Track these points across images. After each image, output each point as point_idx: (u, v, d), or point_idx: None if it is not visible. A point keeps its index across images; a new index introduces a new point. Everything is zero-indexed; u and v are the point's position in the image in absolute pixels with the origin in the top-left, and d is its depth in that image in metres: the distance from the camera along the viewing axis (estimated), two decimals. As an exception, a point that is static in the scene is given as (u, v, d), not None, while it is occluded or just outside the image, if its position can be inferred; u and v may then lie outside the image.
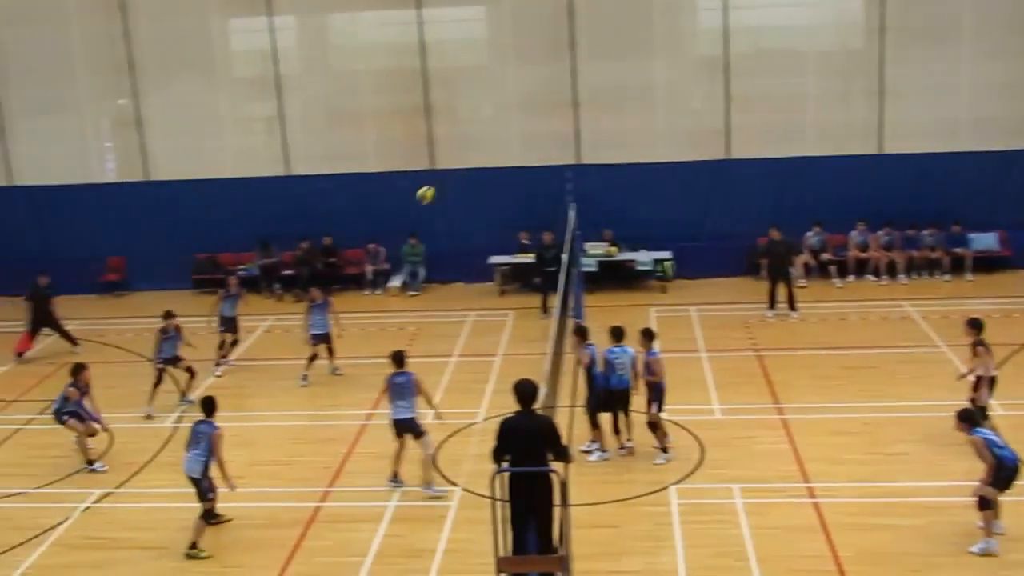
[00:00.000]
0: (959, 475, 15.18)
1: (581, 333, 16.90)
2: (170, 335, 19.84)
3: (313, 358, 20.42)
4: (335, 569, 13.69)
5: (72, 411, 17.13)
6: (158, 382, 19.73)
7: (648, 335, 16.35)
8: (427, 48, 26.76)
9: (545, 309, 23.58)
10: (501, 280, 26.33)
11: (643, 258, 25.94)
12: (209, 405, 14.70)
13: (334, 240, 26.91)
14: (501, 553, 11.26)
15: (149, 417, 19.22)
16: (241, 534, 14.68)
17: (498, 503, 11.20)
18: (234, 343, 21.84)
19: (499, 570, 11.27)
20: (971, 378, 16.55)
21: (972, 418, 13.73)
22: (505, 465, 11.46)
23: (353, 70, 27.81)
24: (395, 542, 14.37)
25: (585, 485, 15.15)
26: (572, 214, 22.77)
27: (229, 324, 21.64)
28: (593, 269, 25.15)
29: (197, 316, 23.01)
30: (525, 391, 11.76)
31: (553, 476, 11.30)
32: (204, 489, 14.29)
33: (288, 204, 27.10)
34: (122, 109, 27.73)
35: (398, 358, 15.72)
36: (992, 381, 16.35)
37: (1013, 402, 17.57)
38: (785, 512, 14.73)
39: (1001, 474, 13.32)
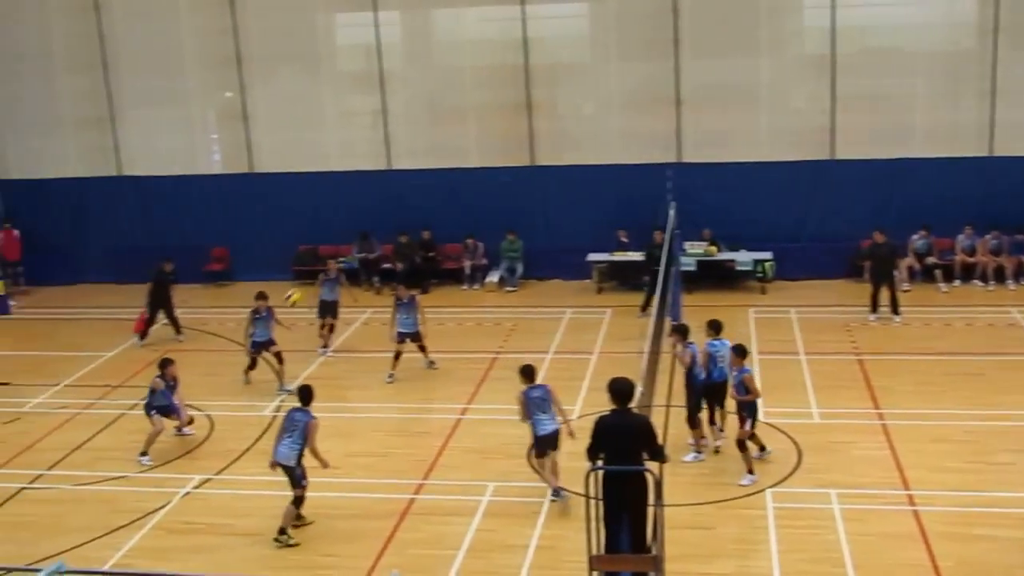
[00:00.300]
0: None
1: (682, 332, 16.75)
2: (262, 315, 20.18)
3: (398, 356, 20.28)
4: (428, 562, 13.78)
5: (159, 405, 17.42)
6: (252, 366, 20.15)
7: (741, 352, 15.84)
8: (530, 44, 26.79)
9: (645, 308, 23.43)
10: (599, 278, 26.25)
11: (743, 258, 25.67)
12: (306, 394, 14.91)
13: (433, 235, 27.09)
14: (594, 551, 11.25)
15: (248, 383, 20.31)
16: (335, 525, 14.85)
17: (592, 501, 11.18)
18: (331, 328, 22.17)
19: (592, 568, 11.25)
20: None
21: None
22: (599, 463, 11.44)
23: (456, 66, 27.95)
24: (488, 537, 14.42)
25: (680, 485, 15.05)
26: (672, 213, 22.61)
27: (328, 308, 22.03)
28: (692, 268, 24.96)
29: (299, 307, 23.34)
30: (621, 389, 11.74)
31: (647, 475, 11.25)
32: (297, 477, 14.48)
33: (388, 198, 27.37)
34: (228, 102, 28.24)
35: (529, 372, 15.34)
36: None
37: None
38: (883, 519, 14.47)
39: None
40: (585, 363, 20.75)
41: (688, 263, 24.53)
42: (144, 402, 17.65)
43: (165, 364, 17.73)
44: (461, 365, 20.69)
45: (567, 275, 26.93)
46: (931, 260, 25.33)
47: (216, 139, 29.43)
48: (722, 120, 26.88)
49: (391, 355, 20.40)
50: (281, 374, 20.16)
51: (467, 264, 26.89)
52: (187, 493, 16.07)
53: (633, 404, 11.84)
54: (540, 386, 15.28)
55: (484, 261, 27.09)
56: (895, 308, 22.84)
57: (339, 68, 28.68)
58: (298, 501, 14.55)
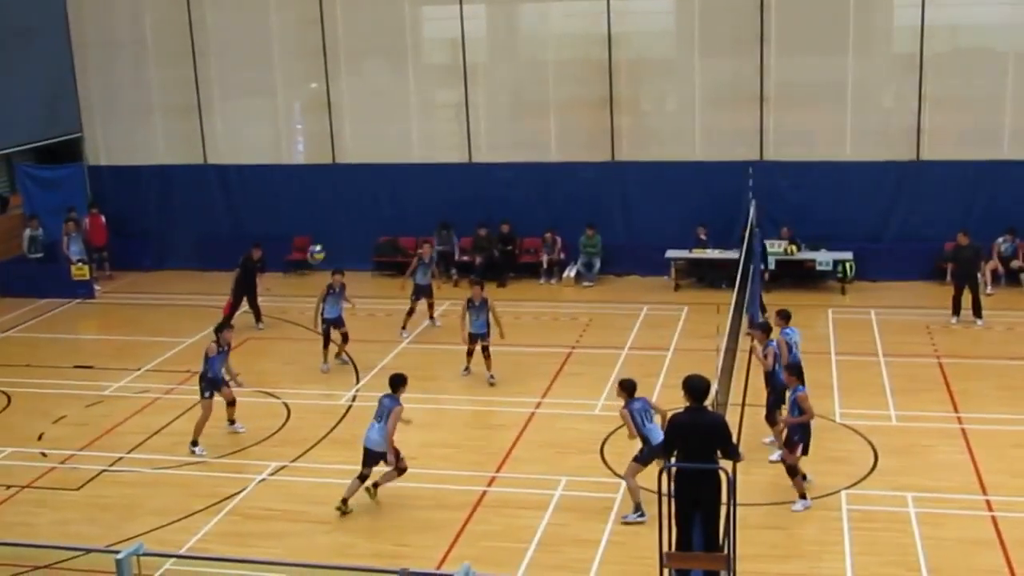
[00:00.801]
0: None
1: (764, 329, 16.65)
2: (335, 291, 20.45)
3: (471, 353, 20.04)
4: (500, 554, 13.87)
5: (211, 378, 17.50)
6: (326, 342, 20.58)
7: (797, 372, 15.23)
8: (614, 39, 26.73)
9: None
10: (676, 275, 26.16)
11: (823, 258, 25.41)
12: (396, 381, 15.25)
13: (512, 228, 27.18)
14: (666, 548, 11.27)
15: (326, 371, 20.65)
16: (408, 515, 15.00)
17: (665, 498, 11.20)
18: (430, 306, 22.86)
19: (663, 565, 11.28)
20: None
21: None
22: (673, 461, 11.46)
23: (540, 60, 27.97)
24: (560, 531, 14.48)
25: (754, 485, 14.98)
26: (752, 211, 22.49)
27: (423, 291, 22.61)
28: (771, 267, 24.77)
29: (376, 297, 23.65)
30: (696, 387, 11.75)
31: (721, 474, 11.25)
32: (391, 460, 14.92)
33: (469, 191, 27.51)
34: (314, 93, 28.57)
35: (630, 387, 14.70)
36: None
37: None
38: (961, 524, 14.30)
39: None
40: (661, 360, 20.71)
41: (771, 262, 24.33)
42: (199, 372, 17.77)
43: (221, 328, 17.99)
44: (536, 359, 20.76)
45: (645, 271, 26.86)
46: (1016, 264, 24.87)
47: (300, 129, 29.79)
48: (806, 118, 26.60)
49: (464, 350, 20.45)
50: (342, 349, 20.79)
51: (545, 258, 26.93)
52: (263, 480, 16.32)
53: (708, 402, 11.84)
54: (640, 399, 14.73)
55: (562, 256, 27.11)
56: (978, 311, 22.48)
57: (424, 60, 28.87)
58: (401, 472, 15.12)
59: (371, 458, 15.01)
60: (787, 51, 26.10)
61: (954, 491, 15.19)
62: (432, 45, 28.96)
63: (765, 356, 16.31)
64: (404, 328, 22.70)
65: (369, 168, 28.12)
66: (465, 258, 27.20)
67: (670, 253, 26.17)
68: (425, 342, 22.47)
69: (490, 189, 27.37)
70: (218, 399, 17.67)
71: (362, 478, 15.04)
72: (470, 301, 20.01)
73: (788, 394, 15.17)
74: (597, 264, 26.76)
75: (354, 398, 19.48)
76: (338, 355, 21.00)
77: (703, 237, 26.07)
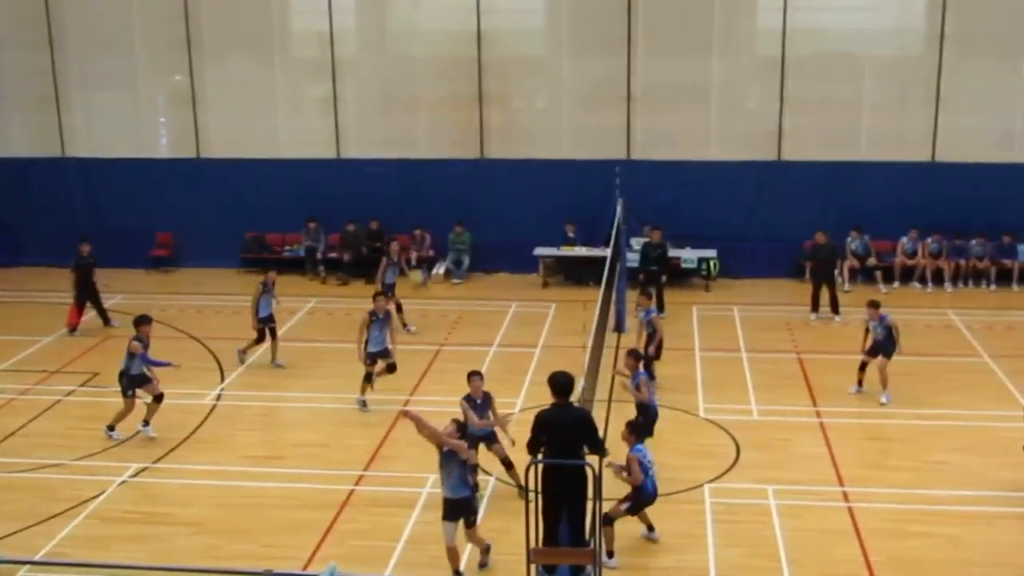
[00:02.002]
0: (997, 485, 15.15)
1: (636, 358, 16.15)
2: (269, 288, 20.08)
3: (370, 377, 18.49)
4: (367, 553, 13.77)
5: (134, 375, 17.17)
6: (260, 339, 20.18)
7: (637, 431, 13.93)
8: (484, 36, 26.79)
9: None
10: (545, 272, 26.33)
11: (688, 255, 25.85)
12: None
13: (381, 225, 27.03)
14: (533, 544, 11.32)
15: (281, 367, 20.21)
16: (276, 515, 14.80)
17: (532, 494, 11.25)
18: (399, 307, 22.17)
19: (530, 561, 11.33)
20: None
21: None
22: (540, 457, 11.51)
23: (409, 55, 27.87)
24: (428, 529, 14.39)
25: (619, 480, 15.12)
26: (619, 209, 22.75)
27: (392, 290, 22.26)
28: (637, 265, 25.08)
29: (242, 295, 23.15)
30: (561, 383, 11.82)
31: (588, 469, 11.34)
32: None
33: (338, 187, 27.27)
34: (177, 85, 27.98)
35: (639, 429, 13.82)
36: None
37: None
38: (819, 515, 14.70)
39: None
40: (529, 357, 20.82)
41: (633, 259, 24.65)
42: (120, 370, 17.30)
43: (140, 322, 17.46)
44: (404, 357, 20.64)
45: (514, 268, 27.01)
46: (872, 262, 25.67)
47: (164, 122, 29.12)
48: (673, 118, 27.05)
49: (339, 345, 20.26)
50: (275, 349, 20.47)
51: (414, 255, 26.85)
52: (124, 482, 15.90)
53: (574, 398, 11.93)
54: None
55: (431, 253, 27.07)
56: (835, 308, 23.15)
57: (291, 54, 28.51)
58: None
59: None
60: (654, 52, 26.49)
61: (813, 483, 15.61)
62: (300, 38, 28.61)
63: (637, 388, 15.76)
64: (405, 325, 22.32)
65: (235, 163, 27.68)
66: (333, 255, 26.95)
67: (538, 250, 26.34)
68: (293, 339, 22.14)
69: (359, 185, 27.17)
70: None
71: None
72: (374, 315, 18.49)
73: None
74: (466, 261, 26.78)
75: (219, 397, 19.14)
76: (273, 360, 20.41)
77: (571, 235, 26.30)
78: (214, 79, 27.83)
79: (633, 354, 16.23)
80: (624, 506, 13.53)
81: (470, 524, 12.78)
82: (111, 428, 17.26)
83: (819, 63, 26.85)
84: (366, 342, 18.36)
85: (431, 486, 15.52)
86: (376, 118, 28.02)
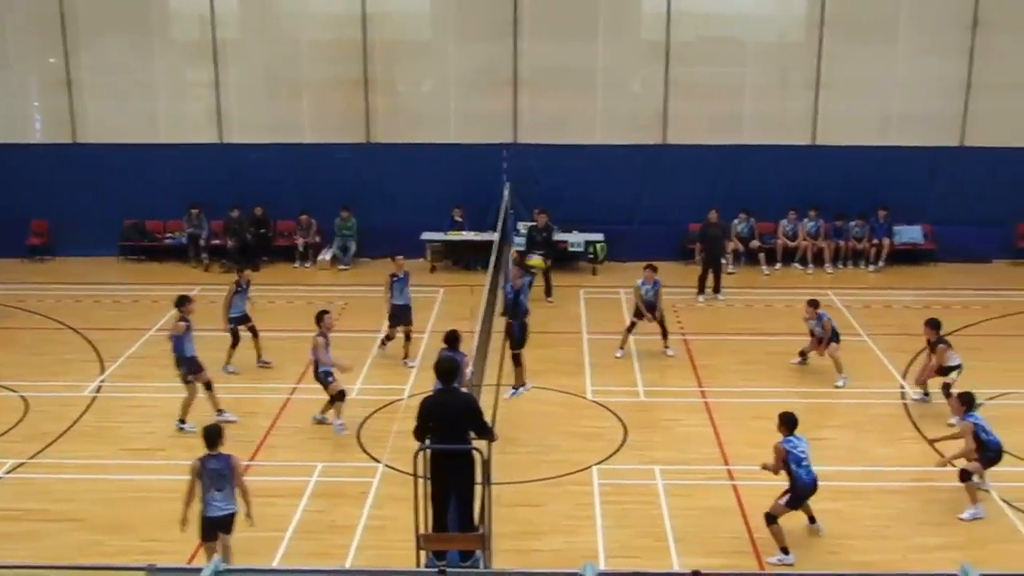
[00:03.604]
0: (879, 461, 15.59)
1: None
2: (243, 287, 19.48)
3: (235, 344, 19.25)
4: (254, 543, 13.53)
5: (189, 359, 16.98)
6: (235, 342, 19.38)
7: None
8: (369, 19, 26.50)
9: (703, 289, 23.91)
10: (432, 257, 26.24)
11: (575, 239, 25.99)
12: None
13: (266, 211, 26.63)
14: (422, 530, 11.26)
15: (268, 364, 19.52)
16: (159, 508, 14.43)
17: (420, 480, 11.19)
18: (407, 336, 20.06)
19: (420, 547, 11.27)
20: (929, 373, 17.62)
21: (971, 401, 14.54)
22: (427, 443, 11.44)
23: (293, 38, 27.43)
24: (316, 517, 14.31)
25: (508, 464, 15.17)
26: (507, 193, 22.77)
27: (402, 314, 20.05)
28: (524, 249, 25.11)
29: (122, 284, 22.70)
30: (446, 368, 11.75)
31: (475, 454, 11.31)
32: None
33: (221, 172, 26.74)
34: (51, 68, 27.11)
35: (792, 422, 13.84)
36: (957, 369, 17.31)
37: (929, 391, 17.87)
38: (705, 494, 14.93)
39: (986, 454, 14.27)
40: (417, 342, 20.67)
41: (521, 243, 24.69)
42: (175, 357, 16.88)
43: (183, 302, 17.14)
44: (292, 344, 20.39)
45: (401, 254, 26.75)
46: (755, 244, 26.10)
47: (37, 107, 28.22)
48: (559, 103, 27.10)
49: (222, 333, 19.83)
50: (260, 351, 19.71)
51: (300, 241, 26.53)
52: (0, 479, 15.44)
53: (461, 383, 11.88)
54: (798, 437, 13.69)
55: (317, 239, 26.77)
56: (717, 288, 23.55)
57: (171, 36, 27.82)
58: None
59: None
60: (539, 36, 26.52)
61: (698, 462, 15.85)
62: (180, 20, 27.95)
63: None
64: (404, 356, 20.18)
65: (113, 148, 26.91)
66: (217, 241, 26.48)
67: (426, 235, 26.22)
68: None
69: (243, 170, 26.70)
70: None
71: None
72: (239, 284, 19.49)
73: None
74: (353, 247, 26.55)
75: (99, 389, 18.68)
76: (259, 359, 19.65)
77: (459, 219, 26.24)
78: (90, 61, 27.04)
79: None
80: (783, 500, 13.48)
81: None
82: (182, 422, 16.88)
83: (703, 48, 27.19)
84: (231, 308, 19.29)
85: (319, 474, 15.40)
86: (260, 102, 27.53)
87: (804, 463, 13.44)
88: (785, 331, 21.11)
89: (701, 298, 23.58)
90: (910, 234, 26.62)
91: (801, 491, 13.48)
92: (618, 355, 20.09)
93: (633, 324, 20.26)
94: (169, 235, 26.97)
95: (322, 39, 27.11)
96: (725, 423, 17.16)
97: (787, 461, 13.45)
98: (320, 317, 17.07)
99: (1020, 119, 26.46)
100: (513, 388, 17.69)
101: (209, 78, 27.07)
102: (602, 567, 11.82)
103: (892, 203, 26.24)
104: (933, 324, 17.73)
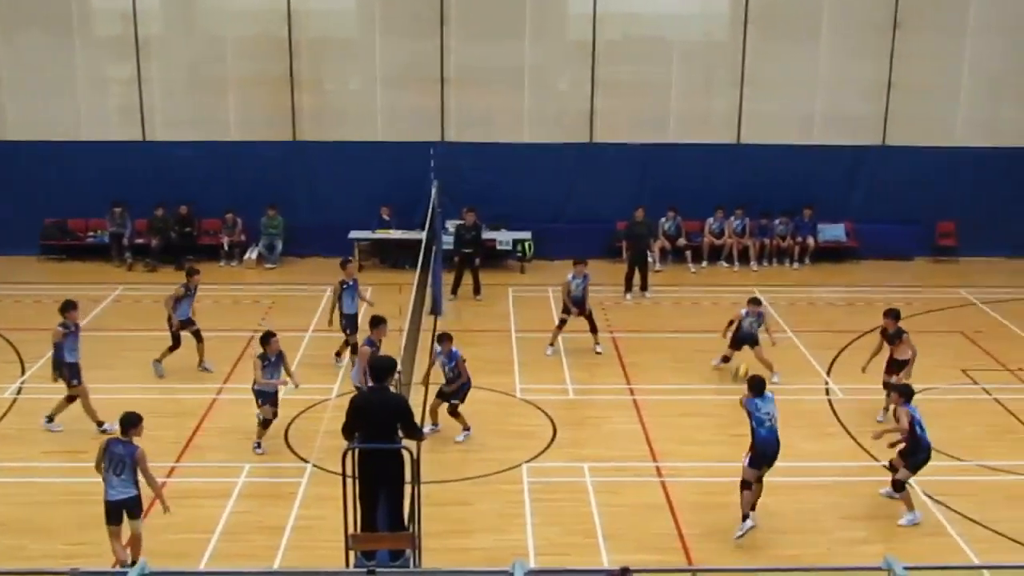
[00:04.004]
0: (805, 456, 15.77)
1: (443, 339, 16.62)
2: (191, 292, 19.08)
3: (175, 348, 19.03)
4: (182, 546, 13.41)
5: (67, 363, 16.62)
6: (175, 345, 18.98)
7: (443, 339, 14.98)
8: (294, 17, 26.30)
9: (454, 291, 23.69)
10: (360, 255, 26.10)
11: (503, 237, 26.02)
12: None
13: (191, 209, 26.31)
14: (351, 530, 11.21)
15: (161, 377, 18.89)
16: (84, 511, 14.19)
17: (349, 480, 11.14)
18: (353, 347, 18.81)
19: (349, 547, 11.22)
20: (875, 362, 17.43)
21: (910, 393, 14.39)
22: (356, 442, 11.39)
23: (218, 35, 27.13)
24: (244, 518, 14.17)
25: (438, 463, 15.17)
26: (435, 191, 22.72)
27: (352, 322, 19.25)
28: (452, 247, 25.09)
29: (43, 283, 22.28)
30: (379, 367, 11.71)
31: (404, 453, 11.28)
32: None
33: (144, 170, 26.36)
34: (-32, 64, 26.58)
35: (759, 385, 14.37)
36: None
37: (854, 387, 18.12)
38: (634, 491, 15.01)
39: (918, 456, 14.14)
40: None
41: (449, 241, 24.66)
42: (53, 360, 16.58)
43: (67, 308, 16.69)
44: (218, 344, 20.18)
45: (328, 252, 26.53)
46: (681, 242, 26.33)
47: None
48: (487, 101, 27.15)
49: (147, 333, 19.63)
50: (203, 356, 19.26)
51: (225, 240, 26.26)
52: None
53: (391, 382, 11.84)
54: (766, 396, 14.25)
55: (243, 237, 26.50)
56: (644, 285, 23.73)
57: (93, 32, 27.34)
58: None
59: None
60: (467, 35, 26.51)
61: (627, 459, 15.94)
62: (102, 16, 27.44)
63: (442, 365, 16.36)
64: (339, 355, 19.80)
65: (34, 146, 26.39)
66: (141, 240, 26.10)
67: (353, 234, 26.08)
68: (97, 329, 21.33)
69: (167, 168, 26.37)
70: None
71: None
72: (187, 288, 19.01)
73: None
74: (279, 245, 26.33)
75: (19, 391, 18.34)
76: (200, 363, 19.21)
77: (387, 218, 26.14)
78: (9, 57, 26.51)
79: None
80: (746, 461, 13.87)
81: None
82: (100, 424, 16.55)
83: (629, 47, 27.39)
84: (177, 312, 18.88)
85: (246, 475, 15.26)
86: (184, 99, 27.16)
87: (766, 424, 13.87)
88: (712, 328, 21.28)
89: (628, 296, 23.74)
90: (833, 232, 27.03)
91: (759, 449, 13.81)
92: (548, 352, 20.17)
93: (563, 321, 20.31)
94: (91, 234, 26.55)
95: (247, 36, 26.84)
96: (653, 420, 17.27)
97: (750, 419, 13.96)
98: (265, 339, 16.33)
99: (940, 119, 27.02)
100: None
101: (132, 75, 26.68)
102: (532, 565, 11.87)
103: (816, 202, 26.64)
104: (893, 315, 17.22)
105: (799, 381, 18.93)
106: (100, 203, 26.10)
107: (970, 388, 18.88)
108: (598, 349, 20.31)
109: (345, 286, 19.12)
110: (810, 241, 26.54)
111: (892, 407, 15.04)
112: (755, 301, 19.28)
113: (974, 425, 17.28)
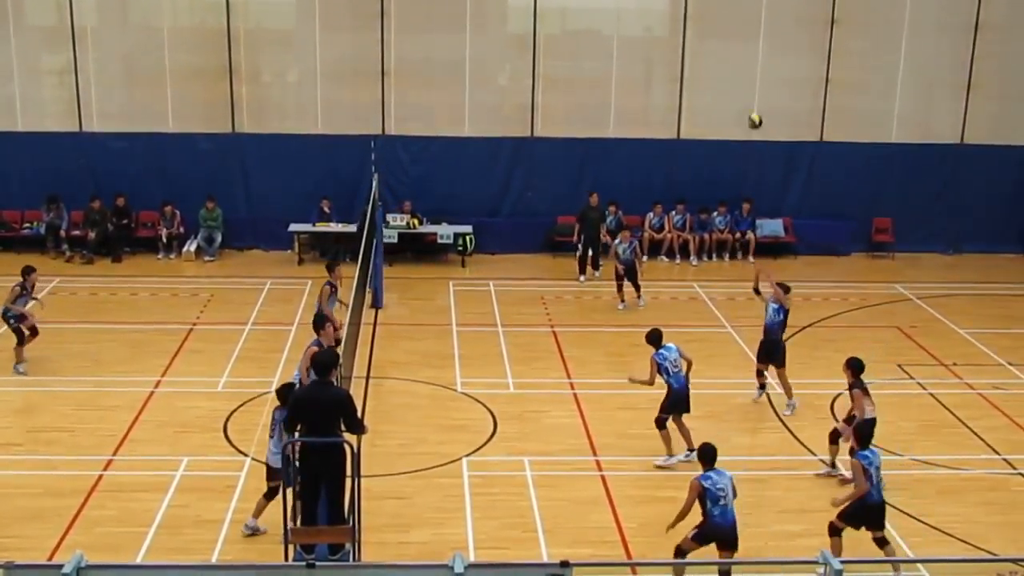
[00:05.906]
0: (740, 449, 15.91)
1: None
2: (28, 291, 18.74)
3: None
4: (118, 539, 13.30)
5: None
6: (20, 339, 18.57)
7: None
8: (232, 8, 26.05)
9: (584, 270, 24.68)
10: (300, 248, 25.98)
11: (444, 231, 26.01)
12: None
13: (128, 201, 26.00)
14: (291, 524, 11.18)
15: (23, 374, 18.39)
16: (16, 504, 14.07)
17: (289, 473, 11.11)
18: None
19: (288, 540, 11.18)
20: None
21: (868, 439, 13.16)
22: (297, 435, 11.36)
23: (154, 25, 26.78)
24: (181, 512, 14.05)
25: (378, 457, 15.16)
26: (375, 185, 22.67)
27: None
28: (394, 241, 25.06)
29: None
30: (322, 362, 11.68)
31: (345, 447, 11.26)
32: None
33: (80, 162, 26.03)
34: None
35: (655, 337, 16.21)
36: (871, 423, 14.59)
37: (797, 381, 18.27)
38: (573, 485, 15.08)
39: (864, 510, 12.93)
40: (285, 335, 20.49)
41: (390, 235, 24.62)
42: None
43: (29, 272, 18.50)
44: (155, 337, 20.01)
45: (268, 245, 26.51)
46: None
47: None
48: (427, 94, 27.08)
49: (83, 326, 19.36)
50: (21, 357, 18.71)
51: (163, 232, 25.98)
52: None
53: (334, 375, 11.82)
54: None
55: (181, 230, 26.24)
56: (596, 264, 24.49)
57: (26, 21, 26.92)
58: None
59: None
60: (407, 28, 26.42)
61: (567, 453, 16.00)
62: (35, 5, 27.01)
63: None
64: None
65: (-35, 136, 26.02)
66: (77, 232, 25.77)
67: (293, 227, 25.95)
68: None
69: (103, 160, 26.08)
70: None
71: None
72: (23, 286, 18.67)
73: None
74: (218, 238, 26.11)
75: (-48, 385, 18.07)
76: (18, 363, 18.65)
77: (327, 211, 26.02)
78: (-62, 46, 26.06)
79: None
80: (663, 404, 15.62)
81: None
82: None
83: (569, 41, 27.50)
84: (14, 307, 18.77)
85: (184, 468, 15.15)
86: (120, 90, 26.84)
87: (674, 371, 15.55)
88: (650, 323, 21.40)
89: (582, 278, 24.01)
90: (771, 227, 27.30)
91: (674, 395, 15.52)
92: (620, 307, 22.53)
93: (619, 280, 22.32)
94: (27, 225, 26.16)
95: (184, 26, 26.62)
96: (592, 414, 17.37)
97: (660, 371, 15.58)
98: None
99: (876, 116, 27.38)
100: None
101: (67, 65, 26.29)
102: (471, 559, 11.89)
103: (754, 197, 26.90)
104: (851, 365, 15.07)
105: (735, 375, 19.10)
106: (35, 194, 25.74)
107: (905, 382, 19.17)
108: (640, 303, 22.61)
109: (334, 289, 18.66)
110: (749, 236, 26.80)
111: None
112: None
113: (909, 420, 17.55)
